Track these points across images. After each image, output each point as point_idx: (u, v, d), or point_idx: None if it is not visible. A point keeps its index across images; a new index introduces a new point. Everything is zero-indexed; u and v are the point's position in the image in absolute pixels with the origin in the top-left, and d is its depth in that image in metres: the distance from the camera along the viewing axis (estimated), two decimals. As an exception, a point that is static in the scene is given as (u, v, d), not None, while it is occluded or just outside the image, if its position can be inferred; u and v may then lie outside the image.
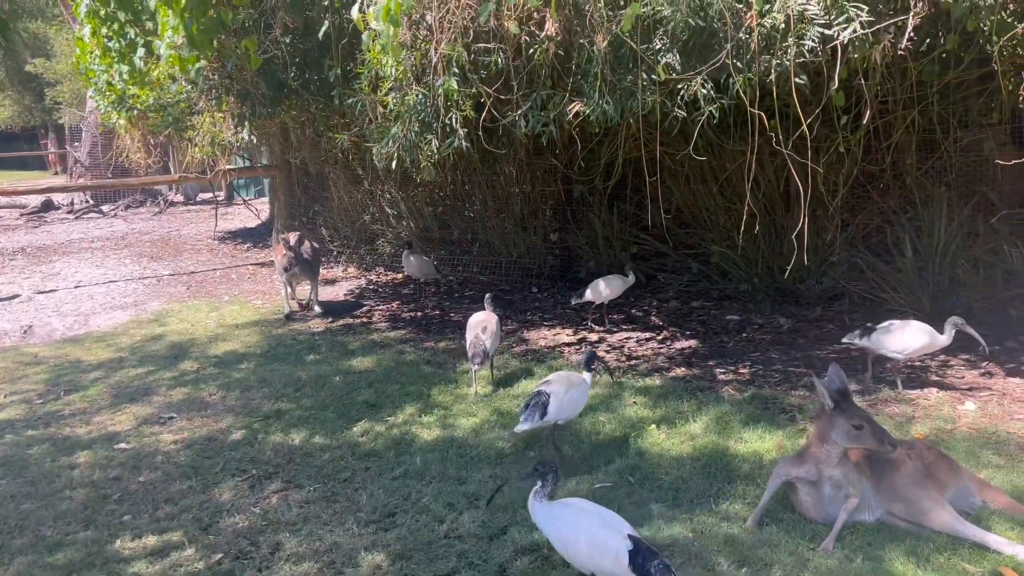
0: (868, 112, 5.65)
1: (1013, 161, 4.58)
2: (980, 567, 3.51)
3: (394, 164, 5.68)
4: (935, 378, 6.03)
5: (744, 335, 7.50)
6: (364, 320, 8.86)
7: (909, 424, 5.17)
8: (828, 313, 7.85)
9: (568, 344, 7.64)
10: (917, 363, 6.36)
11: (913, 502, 3.83)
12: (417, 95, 5.35)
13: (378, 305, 9.57)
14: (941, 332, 5.51)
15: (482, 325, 6.35)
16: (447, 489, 4.62)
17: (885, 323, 5.80)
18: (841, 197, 7.68)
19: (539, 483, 3.53)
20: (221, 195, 19.88)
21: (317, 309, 9.08)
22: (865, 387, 5.85)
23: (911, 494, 3.84)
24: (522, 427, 4.66)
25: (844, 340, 6.01)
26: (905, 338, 5.64)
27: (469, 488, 4.61)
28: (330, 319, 8.88)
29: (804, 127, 4.92)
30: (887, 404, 5.53)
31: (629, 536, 3.27)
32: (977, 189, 7.34)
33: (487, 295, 6.73)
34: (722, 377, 6.37)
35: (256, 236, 15.20)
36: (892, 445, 3.69)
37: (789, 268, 5.61)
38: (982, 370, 6.12)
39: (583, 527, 3.35)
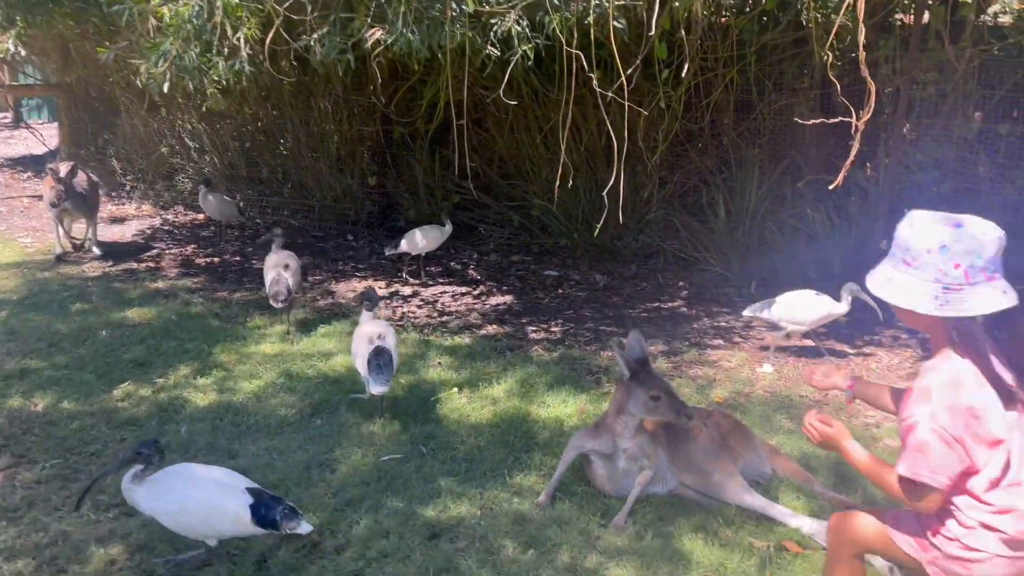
0: (689, 67, 5.47)
1: (812, 120, 4.52)
2: (766, 540, 3.42)
3: (166, 87, 4.87)
4: (738, 339, 6.07)
5: (560, 291, 7.31)
6: (151, 265, 7.92)
7: (710, 387, 5.12)
8: (643, 271, 7.81)
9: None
10: (722, 324, 6.40)
11: (706, 473, 3.70)
12: (192, 6, 4.56)
13: (170, 248, 8.61)
14: (838, 300, 5.49)
15: (284, 263, 5.80)
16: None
17: (784, 295, 5.63)
18: (660, 154, 7.59)
19: (140, 467, 3.06)
20: (7, 116, 17.51)
21: (95, 251, 8.02)
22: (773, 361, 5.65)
23: (705, 465, 3.71)
24: (381, 389, 4.28)
25: (745, 313, 5.75)
26: (805, 309, 5.53)
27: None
28: (110, 262, 7.86)
29: (623, 78, 4.63)
30: (690, 366, 5.48)
31: (248, 490, 3.03)
32: (787, 153, 7.47)
33: (273, 230, 6.15)
34: (533, 336, 6.12)
35: (41, 164, 13.42)
36: (688, 417, 3.52)
37: (600, 224, 5.36)
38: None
39: (191, 494, 3.02)
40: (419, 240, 7.47)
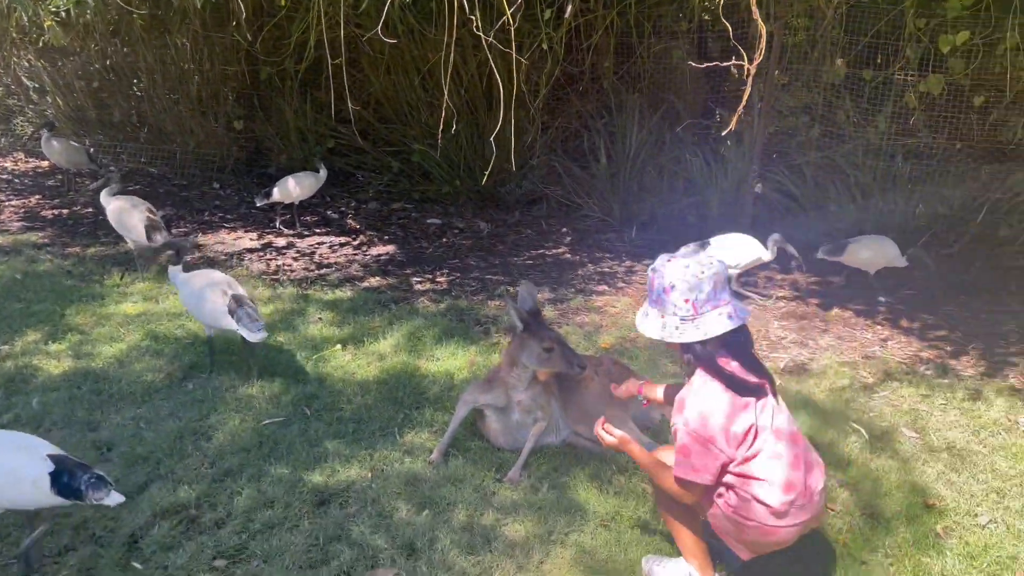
0: (570, 7, 5.32)
1: (701, 64, 4.50)
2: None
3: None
4: (621, 284, 6.11)
5: (444, 240, 7.14)
6: (-12, 219, 7.15)
7: (597, 334, 5.13)
8: (527, 218, 7.74)
9: (252, 250, 6.74)
10: (606, 269, 6.43)
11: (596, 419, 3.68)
12: (19, -76, 4.00)
13: (10, 199, 7.81)
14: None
15: (145, 206, 5.40)
16: (72, 439, 3.70)
17: (718, 237, 5.71)
18: (542, 98, 7.47)
19: None
20: None
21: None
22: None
23: (597, 413, 3.66)
24: (262, 334, 4.08)
25: (680, 254, 5.73)
26: (739, 252, 5.61)
27: (102, 435, 3.74)
28: (-62, 217, 7.05)
29: (507, 16, 4.42)
30: (576, 313, 5.47)
31: (49, 456, 2.76)
32: (665, 98, 7.51)
33: (108, 172, 5.70)
34: (419, 287, 5.94)
35: None
36: (581, 367, 3.47)
37: (488, 171, 5.19)
38: (663, 276, 6.31)
39: None
40: (292, 188, 7.08)
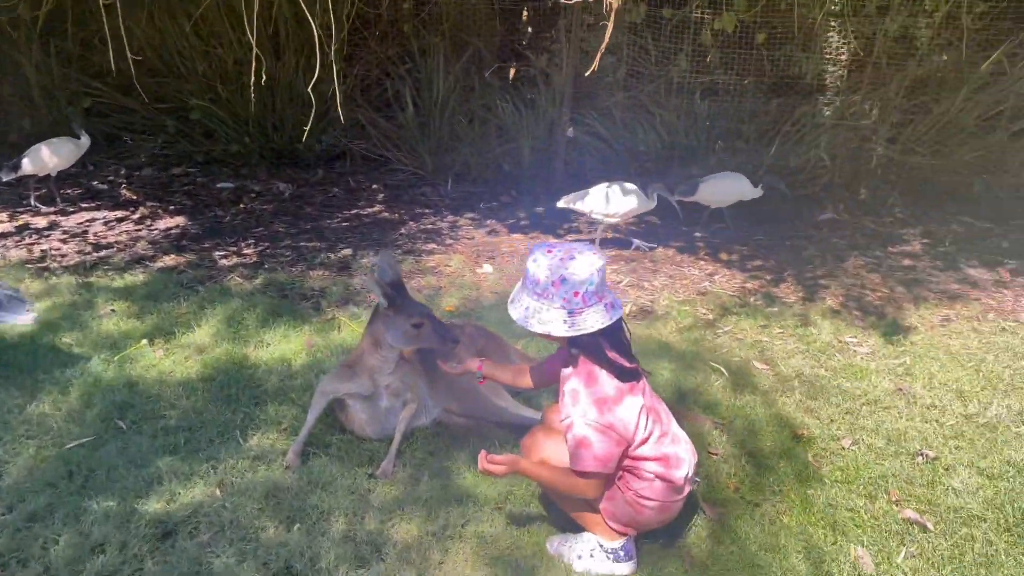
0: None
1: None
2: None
3: None
4: (450, 241, 5.81)
5: (242, 206, 6.41)
6: None
7: (438, 296, 4.81)
8: (331, 175, 7.17)
9: (4, 235, 5.64)
10: (430, 226, 6.09)
11: (471, 394, 3.41)
12: None
13: None
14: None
15: None
16: None
17: (598, 186, 5.53)
18: (340, 42, 6.84)
19: None
20: None
21: None
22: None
23: (469, 385, 3.39)
24: (32, 315, 3.62)
25: (559, 204, 5.56)
26: (617, 201, 5.47)
27: None
28: None
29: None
30: (410, 276, 5.10)
31: None
32: (470, 41, 7.18)
33: None
34: (224, 262, 5.26)
35: None
36: (454, 341, 3.15)
37: (309, 128, 4.61)
38: (487, 228, 6.09)
39: None
40: (47, 157, 6.00)
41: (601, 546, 2.65)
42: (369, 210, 6.43)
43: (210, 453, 3.21)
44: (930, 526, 2.89)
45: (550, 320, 2.47)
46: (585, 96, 6.95)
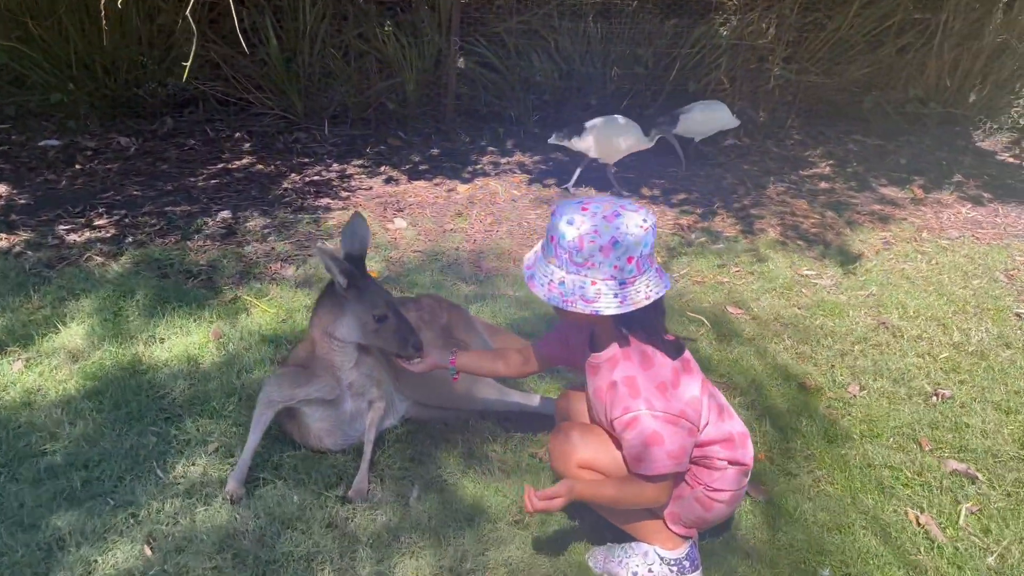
0: None
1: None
2: (544, 446, 2.74)
3: None
4: (345, 192, 5.05)
5: (78, 167, 5.31)
6: None
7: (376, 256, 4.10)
8: (183, 125, 6.13)
9: None
10: (316, 178, 5.29)
11: (442, 380, 2.79)
12: None
13: None
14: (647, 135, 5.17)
15: None
16: None
17: (595, 120, 5.11)
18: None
19: None
20: None
21: None
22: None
23: (435, 371, 2.78)
24: None
25: (551, 140, 5.19)
26: (618, 139, 5.08)
27: None
28: None
29: None
30: (311, 239, 4.35)
31: None
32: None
33: None
34: (75, 238, 4.27)
35: None
36: (416, 348, 2.48)
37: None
38: (384, 176, 5.37)
39: None
40: None
41: (661, 557, 2.20)
42: (238, 163, 5.51)
43: (123, 496, 2.45)
44: (980, 477, 2.66)
45: (596, 296, 1.95)
46: (473, 22, 6.27)
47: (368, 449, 2.59)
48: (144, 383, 2.98)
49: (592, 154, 5.18)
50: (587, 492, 2.07)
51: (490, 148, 6.01)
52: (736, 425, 2.19)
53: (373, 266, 4.04)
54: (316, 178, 5.29)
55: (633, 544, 2.23)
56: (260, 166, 5.45)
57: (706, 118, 5.63)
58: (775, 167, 5.88)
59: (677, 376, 2.08)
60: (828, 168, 5.92)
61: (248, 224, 4.50)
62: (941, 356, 3.40)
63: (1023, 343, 3.52)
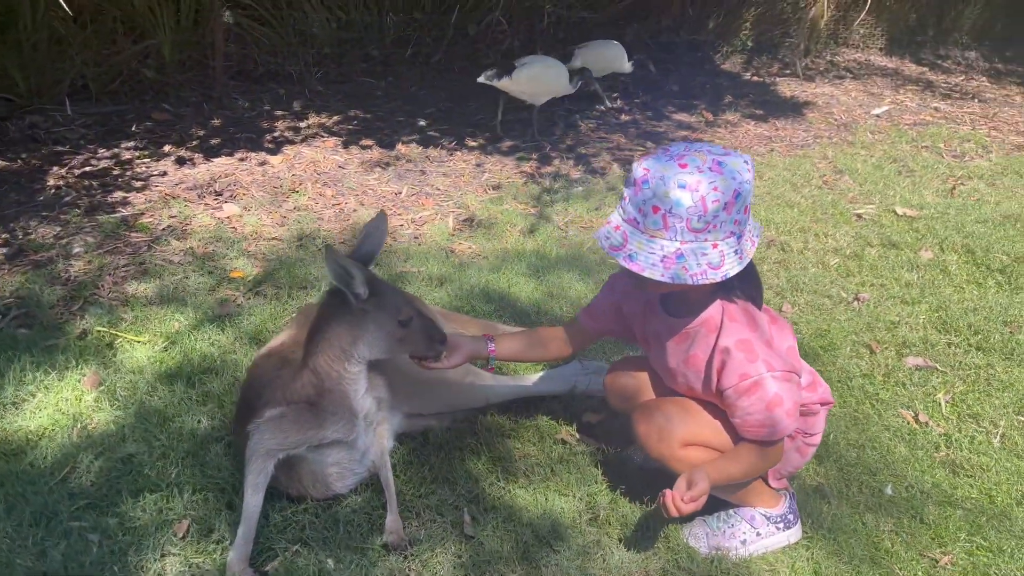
0: None
1: None
2: (559, 430, 2.49)
3: None
4: (139, 184, 4.16)
5: None
6: None
7: (213, 261, 3.40)
8: None
9: None
10: (89, 170, 4.30)
11: (436, 382, 2.42)
12: None
13: None
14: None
15: None
16: None
17: (525, 60, 4.95)
18: None
19: None
20: None
21: None
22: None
23: (423, 372, 2.37)
24: None
25: (480, 79, 4.84)
26: (548, 80, 4.97)
27: None
28: None
29: None
30: (132, 246, 3.53)
31: None
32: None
33: None
34: None
35: None
36: (442, 341, 2.10)
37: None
38: (173, 158, 4.52)
39: None
40: None
41: (767, 517, 2.10)
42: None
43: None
44: (938, 367, 2.91)
45: (721, 259, 1.76)
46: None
47: (391, 482, 2.15)
48: (29, 468, 2.20)
49: (521, 95, 5.02)
50: (718, 476, 1.89)
51: (278, 112, 5.32)
52: (806, 364, 2.13)
53: (236, 265, 3.38)
54: (88, 168, 4.30)
55: (734, 511, 2.11)
56: (1, 162, 4.29)
57: (599, 56, 5.59)
58: (574, 106, 5.91)
59: (771, 328, 1.96)
60: (620, 101, 6.08)
61: (33, 237, 3.53)
62: (832, 263, 3.66)
63: (880, 240, 3.91)
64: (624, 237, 1.79)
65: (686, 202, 1.70)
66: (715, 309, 1.91)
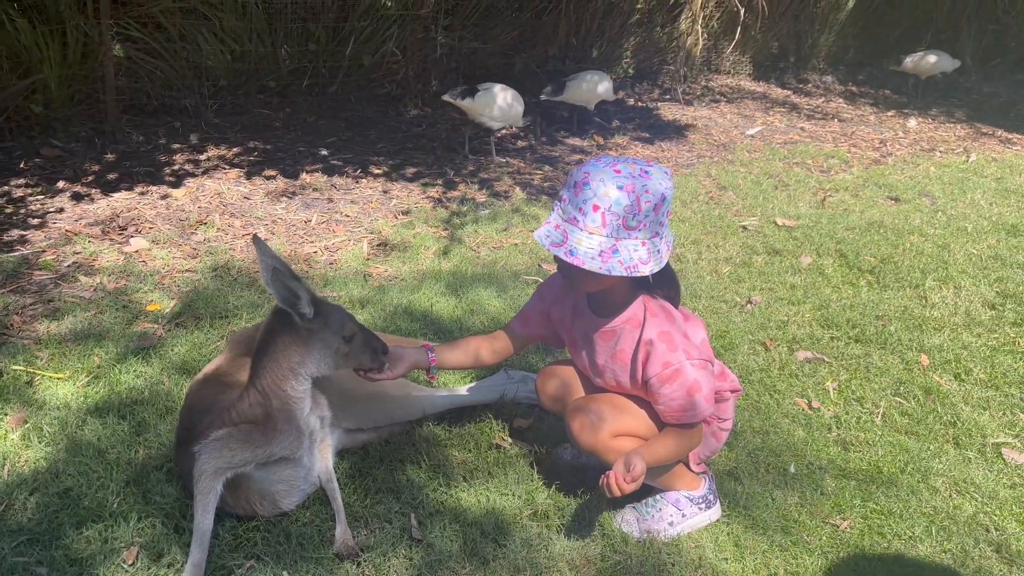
0: None
1: None
2: (503, 433, 2.63)
3: None
4: (36, 222, 4.05)
5: None
6: None
7: (125, 296, 3.36)
8: None
9: None
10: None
11: (374, 398, 2.52)
12: None
13: None
14: None
15: None
16: None
17: (487, 85, 5.28)
18: None
19: None
20: None
21: None
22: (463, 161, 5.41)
23: (361, 389, 2.48)
24: None
25: (445, 97, 5.25)
26: (507, 107, 5.25)
27: None
28: None
29: None
30: (37, 286, 3.45)
31: None
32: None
33: None
34: None
35: None
36: (384, 351, 2.22)
37: None
38: (69, 194, 4.41)
39: None
40: None
41: (690, 499, 2.30)
42: None
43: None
44: (825, 357, 3.22)
45: (648, 256, 1.95)
46: (122, 2, 5.36)
47: (338, 493, 2.24)
48: (-36, 515, 2.15)
49: (480, 118, 5.28)
50: (650, 457, 2.07)
51: (175, 145, 5.26)
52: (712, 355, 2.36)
53: (151, 297, 3.36)
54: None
55: (660, 496, 2.30)
56: None
57: (591, 87, 5.90)
58: (470, 132, 6.09)
59: (685, 323, 2.17)
60: (511, 128, 6.31)
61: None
62: (725, 271, 3.97)
63: (765, 248, 4.27)
64: (564, 235, 1.95)
65: (624, 201, 1.88)
66: (637, 307, 2.11)
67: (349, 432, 2.49)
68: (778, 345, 3.30)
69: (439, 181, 5.06)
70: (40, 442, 2.42)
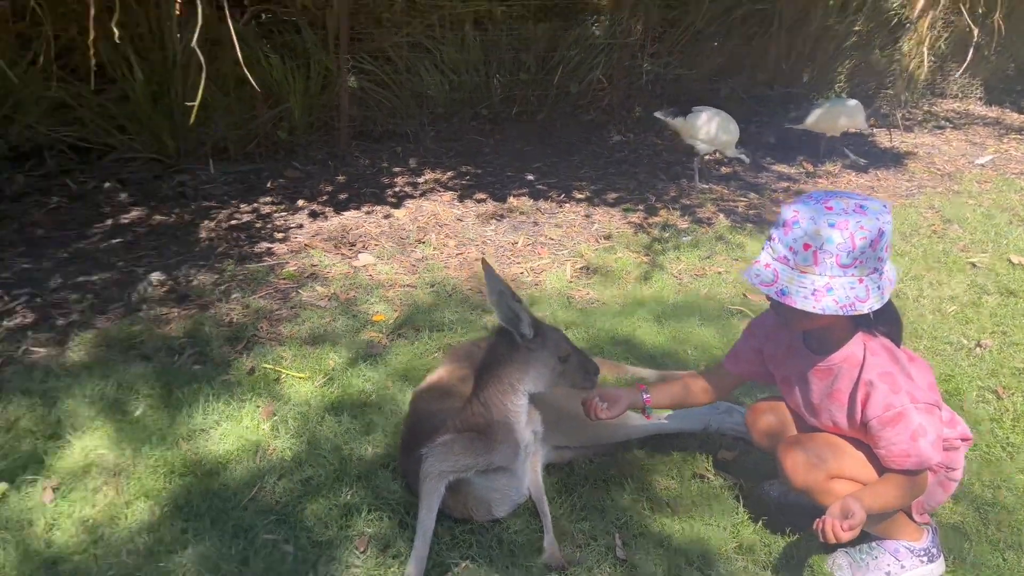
0: None
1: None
2: (707, 464, 2.63)
3: None
4: (280, 235, 4.54)
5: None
6: None
7: (357, 304, 3.70)
8: (35, 180, 5.16)
9: None
10: (236, 223, 4.70)
11: (584, 418, 2.57)
12: None
13: None
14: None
15: None
16: None
17: (701, 107, 5.37)
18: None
19: None
20: None
21: None
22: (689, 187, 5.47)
23: (572, 408, 2.56)
24: None
25: (657, 114, 5.51)
26: (722, 130, 5.29)
27: None
28: None
29: None
30: (281, 293, 3.86)
31: None
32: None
33: None
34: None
35: None
36: (596, 372, 2.33)
37: None
38: (308, 211, 4.90)
39: None
40: None
41: (911, 550, 2.19)
42: (128, 217, 4.75)
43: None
44: None
45: (867, 294, 1.91)
46: (357, 39, 5.90)
47: (546, 505, 2.35)
48: (222, 488, 2.47)
49: (690, 140, 5.38)
50: (870, 504, 1.99)
51: (396, 168, 5.69)
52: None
53: (377, 309, 3.67)
54: (233, 222, 4.71)
55: (877, 543, 2.21)
56: (159, 216, 4.74)
57: (836, 115, 5.78)
58: (672, 158, 6.10)
59: (910, 364, 2.08)
60: (717, 153, 6.24)
61: (195, 283, 3.90)
62: (950, 311, 3.71)
63: (997, 288, 3.94)
64: (775, 274, 1.95)
65: (836, 239, 1.86)
66: (856, 345, 2.05)
67: (556, 449, 2.60)
68: (1012, 394, 3.05)
69: (640, 206, 5.11)
70: (286, 434, 2.73)
